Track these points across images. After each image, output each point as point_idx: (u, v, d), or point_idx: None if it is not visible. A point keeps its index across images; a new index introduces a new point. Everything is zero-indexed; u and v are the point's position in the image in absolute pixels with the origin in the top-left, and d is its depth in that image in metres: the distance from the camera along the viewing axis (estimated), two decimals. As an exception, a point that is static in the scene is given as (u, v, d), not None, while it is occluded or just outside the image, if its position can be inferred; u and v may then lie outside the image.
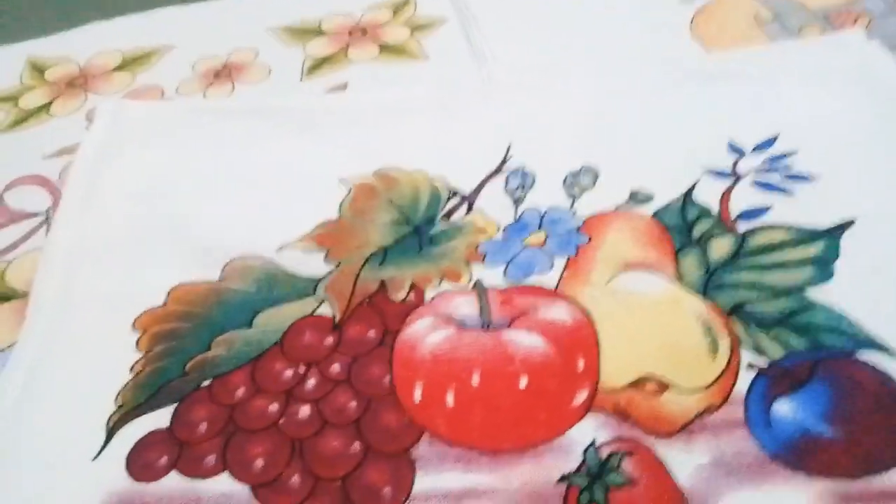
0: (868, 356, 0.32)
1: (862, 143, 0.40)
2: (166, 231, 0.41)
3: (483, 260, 0.38)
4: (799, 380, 0.31)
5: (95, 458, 0.33)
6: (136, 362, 0.36)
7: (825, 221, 0.37)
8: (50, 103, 0.51)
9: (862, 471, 0.29)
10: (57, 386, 0.35)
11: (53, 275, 0.40)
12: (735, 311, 0.34)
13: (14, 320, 0.39)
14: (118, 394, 0.35)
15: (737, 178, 0.39)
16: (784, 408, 0.31)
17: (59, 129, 0.49)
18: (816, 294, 0.34)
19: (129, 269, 0.40)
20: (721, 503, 0.29)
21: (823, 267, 0.35)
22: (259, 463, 0.32)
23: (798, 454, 0.30)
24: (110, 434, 0.33)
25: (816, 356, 0.32)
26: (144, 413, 0.34)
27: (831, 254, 0.36)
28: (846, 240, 0.36)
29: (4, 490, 0.32)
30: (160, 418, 0.34)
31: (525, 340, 0.34)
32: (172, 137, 0.46)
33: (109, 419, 0.34)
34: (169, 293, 0.38)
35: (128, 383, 0.35)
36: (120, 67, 0.54)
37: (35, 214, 0.44)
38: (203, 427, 0.33)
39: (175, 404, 0.34)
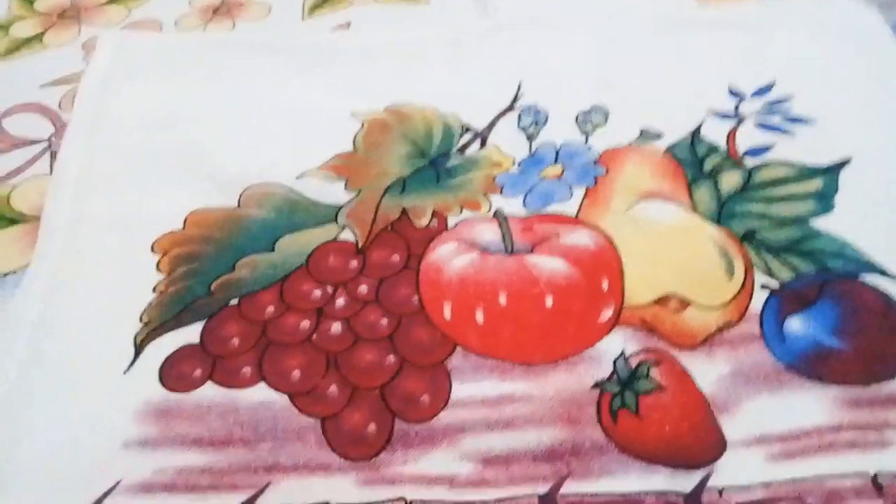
0: (870, 279, 0.34)
1: (853, 90, 0.42)
2: (179, 158, 0.41)
3: (501, 191, 0.39)
4: (808, 299, 0.34)
5: (127, 371, 0.33)
6: (159, 283, 0.36)
7: (824, 159, 0.39)
8: (42, 34, 0.50)
9: (871, 378, 0.31)
10: (78, 304, 0.35)
11: (65, 198, 0.39)
12: (746, 238, 0.36)
13: (24, 243, 0.39)
14: (143, 312, 0.35)
15: (740, 118, 0.41)
16: (796, 324, 0.33)
17: (53, 60, 0.48)
18: (820, 224, 0.36)
19: (143, 194, 0.39)
20: (741, 408, 0.31)
21: (824, 200, 0.37)
22: (296, 374, 0.32)
23: (811, 364, 0.32)
24: (139, 349, 0.33)
25: (823, 278, 0.34)
26: (172, 329, 0.34)
27: (831, 188, 0.38)
28: (844, 176, 0.38)
29: (34, 402, 0.32)
30: (189, 335, 0.34)
31: (548, 264, 0.35)
32: (181, 69, 0.45)
33: (136, 335, 0.34)
34: (186, 218, 0.38)
35: (152, 302, 0.35)
36: (113, 0, 0.53)
37: (37, 141, 0.43)
38: (236, 341, 0.34)
39: (203, 321, 0.34)
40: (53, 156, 0.42)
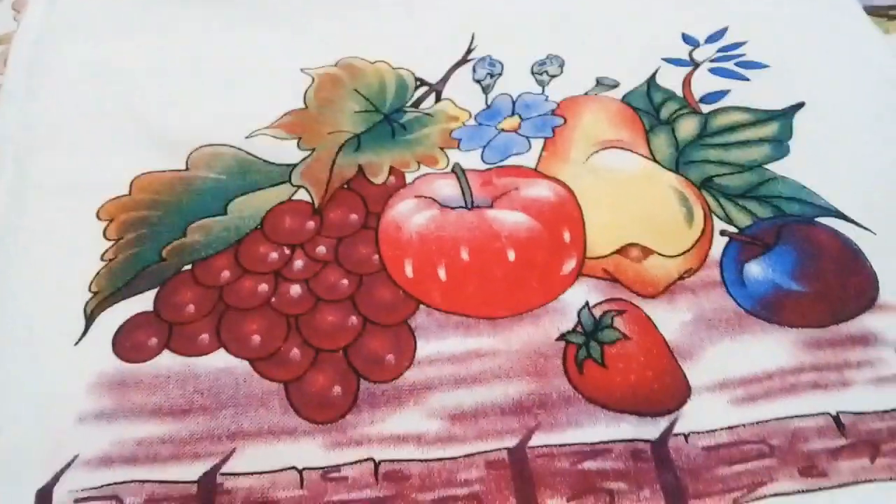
0: (826, 222, 0.35)
1: (806, 35, 0.43)
2: (122, 119, 0.39)
3: (458, 146, 0.38)
4: (766, 244, 0.34)
5: (78, 342, 0.32)
6: (107, 250, 0.35)
7: (778, 104, 0.39)
8: (-33, -8, 0.47)
9: (830, 319, 0.32)
10: (23, 274, 0.34)
11: (3, 164, 0.37)
12: (704, 185, 0.36)
13: (-39, 214, 0.37)
14: (91, 281, 0.33)
15: (695, 65, 0.41)
16: (756, 268, 0.33)
17: (-19, 20, 0.46)
18: (776, 169, 0.36)
19: (86, 158, 0.38)
20: (704, 354, 0.31)
21: (780, 145, 0.37)
22: (256, 339, 0.32)
23: (771, 308, 0.32)
24: (90, 319, 0.32)
25: (781, 222, 0.34)
26: (123, 298, 0.33)
27: (786, 133, 0.38)
28: (799, 121, 0.38)
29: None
30: (141, 302, 0.33)
31: (509, 217, 0.35)
32: (118, 24, 0.43)
33: (86, 305, 0.33)
34: (132, 182, 0.37)
35: (101, 271, 0.34)
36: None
37: (-31, 105, 0.41)
38: (191, 308, 0.33)
39: (156, 289, 0.33)
40: (-14, 120, 0.40)
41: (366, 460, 0.29)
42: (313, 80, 0.41)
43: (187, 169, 0.38)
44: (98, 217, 0.36)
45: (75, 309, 0.33)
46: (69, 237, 0.35)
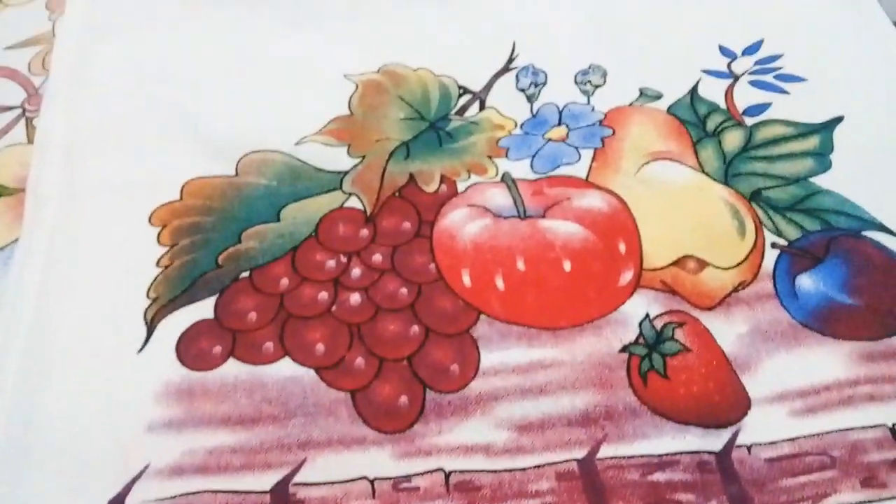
0: (871, 234, 0.35)
1: (838, 47, 0.43)
2: (168, 120, 0.39)
3: (506, 154, 0.39)
4: (817, 256, 0.34)
5: (141, 350, 0.32)
6: (163, 256, 0.35)
7: (817, 117, 0.40)
8: (0, -9, 0.47)
9: (882, 332, 0.32)
10: (79, 279, 0.34)
11: (52, 166, 0.37)
12: (753, 197, 0.36)
13: (9, 217, 0.36)
14: (149, 287, 0.33)
15: (735, 77, 0.42)
16: (807, 281, 0.34)
17: (15, 20, 0.45)
18: (820, 182, 0.37)
19: (135, 160, 0.38)
20: (761, 366, 0.32)
21: (822, 158, 0.38)
22: (320, 347, 0.32)
23: (824, 321, 0.33)
24: (151, 327, 0.32)
25: (830, 235, 0.35)
26: (183, 305, 0.33)
27: (827, 146, 0.39)
28: (839, 134, 0.39)
29: (45, 381, 0.30)
30: (201, 310, 0.33)
31: (563, 228, 0.35)
32: (161, 25, 0.43)
33: (146, 312, 0.33)
34: (183, 187, 0.37)
35: (158, 277, 0.34)
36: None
37: (9, 108, 0.41)
38: (253, 316, 0.33)
39: (215, 296, 0.33)
40: (29, 122, 0.40)
41: (436, 470, 0.29)
42: (357, 86, 0.42)
43: (237, 174, 0.38)
44: (150, 222, 0.36)
45: (135, 315, 0.33)
46: (123, 243, 0.35)
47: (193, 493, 0.28)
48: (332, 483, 0.29)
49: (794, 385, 0.31)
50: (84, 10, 0.43)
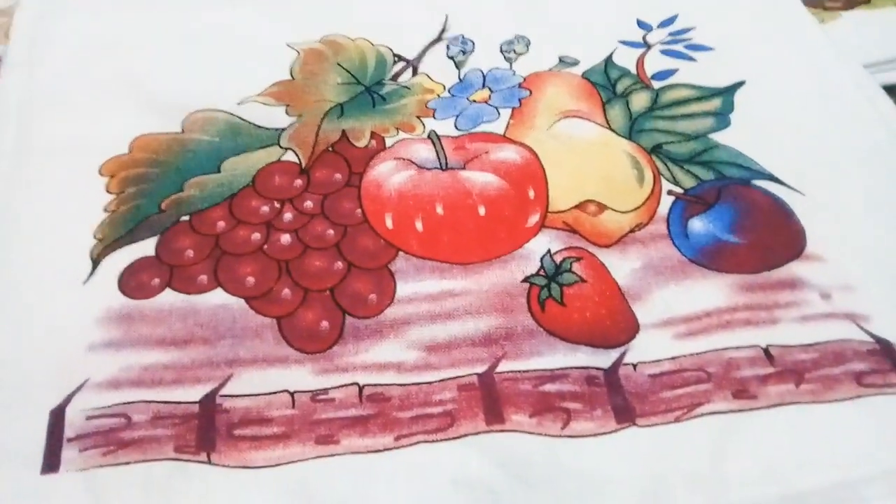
0: (761, 184, 0.39)
1: (747, 21, 0.47)
2: (120, 85, 0.42)
3: (434, 115, 0.42)
4: (708, 202, 0.38)
5: (86, 282, 0.34)
6: (110, 202, 0.37)
7: (721, 83, 0.43)
8: (-35, -34, 0.50)
9: (762, 267, 0.36)
10: (30, 226, 0.37)
11: (8, 126, 0.40)
12: (654, 151, 0.40)
13: (-32, 170, 0.39)
14: (96, 230, 0.36)
15: (648, 46, 0.45)
16: (698, 223, 0.37)
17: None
18: (718, 138, 0.41)
19: (87, 121, 0.41)
20: (651, 296, 0.35)
21: (722, 117, 0.42)
22: (251, 280, 0.35)
23: (711, 257, 0.36)
24: (96, 263, 0.35)
25: (721, 184, 0.39)
26: (126, 244, 0.36)
27: (727, 107, 0.42)
28: (739, 96, 0.43)
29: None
30: (143, 249, 0.36)
31: (480, 178, 0.38)
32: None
33: (92, 250, 0.36)
34: (132, 143, 0.40)
35: (104, 220, 0.37)
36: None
37: (-29, 74, 0.44)
38: (190, 253, 0.36)
39: (156, 237, 0.36)
40: (-9, 88, 0.43)
41: (351, 384, 0.32)
42: (299, 53, 0.45)
43: (183, 132, 0.41)
44: (100, 173, 0.39)
45: (81, 254, 0.35)
46: (72, 191, 0.38)
47: (129, 403, 0.31)
48: (256, 395, 0.32)
49: (680, 312, 0.34)
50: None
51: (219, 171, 0.39)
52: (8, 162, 0.39)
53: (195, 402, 0.31)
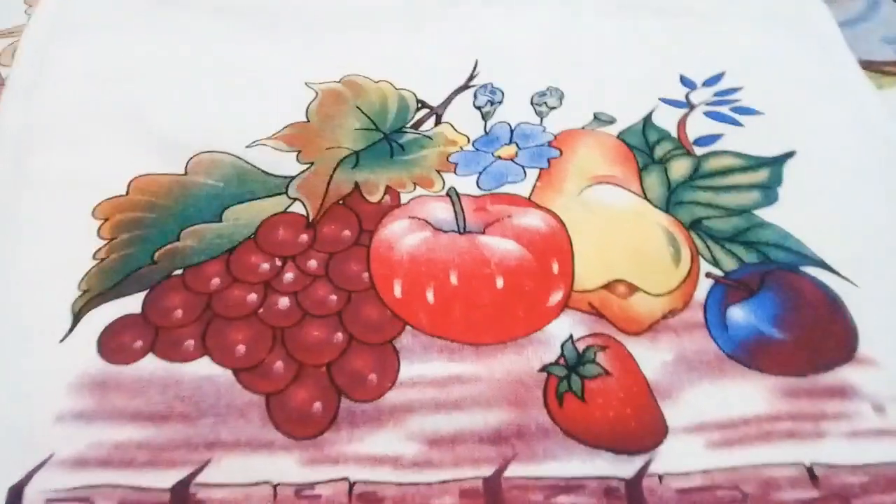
0: (810, 271, 0.35)
1: (800, 83, 0.43)
2: (124, 119, 0.40)
3: (455, 170, 0.39)
4: (750, 289, 0.34)
5: (63, 340, 0.32)
6: (100, 249, 0.35)
7: (771, 151, 0.40)
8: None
9: (808, 369, 0.32)
10: (14, 268, 0.34)
11: (4, 155, 0.37)
12: (693, 227, 0.36)
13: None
14: (82, 279, 0.34)
15: (691, 107, 0.42)
16: (738, 313, 0.34)
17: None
18: (764, 215, 0.37)
19: (86, 155, 0.38)
20: (683, 395, 0.31)
21: (769, 191, 0.38)
22: (241, 349, 0.32)
23: (751, 354, 0.32)
24: (77, 318, 0.32)
25: (766, 269, 0.35)
26: (112, 299, 0.33)
27: (775, 180, 0.39)
28: (789, 168, 0.39)
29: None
30: (130, 305, 0.33)
31: (500, 245, 0.35)
32: (129, 25, 0.43)
33: (74, 304, 0.33)
34: (130, 183, 0.37)
35: (91, 269, 0.34)
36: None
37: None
38: (179, 313, 0.33)
39: (145, 291, 0.33)
40: (-6, 112, 0.40)
41: (340, 479, 0.29)
42: (317, 94, 0.42)
43: (186, 174, 0.38)
44: (93, 215, 0.36)
45: (63, 306, 0.33)
46: (62, 233, 0.35)
47: (93, 487, 0.28)
48: (235, 485, 0.28)
49: (714, 416, 0.31)
50: (55, 7, 0.44)
51: (220, 220, 0.36)
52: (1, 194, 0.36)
53: (167, 490, 0.28)
